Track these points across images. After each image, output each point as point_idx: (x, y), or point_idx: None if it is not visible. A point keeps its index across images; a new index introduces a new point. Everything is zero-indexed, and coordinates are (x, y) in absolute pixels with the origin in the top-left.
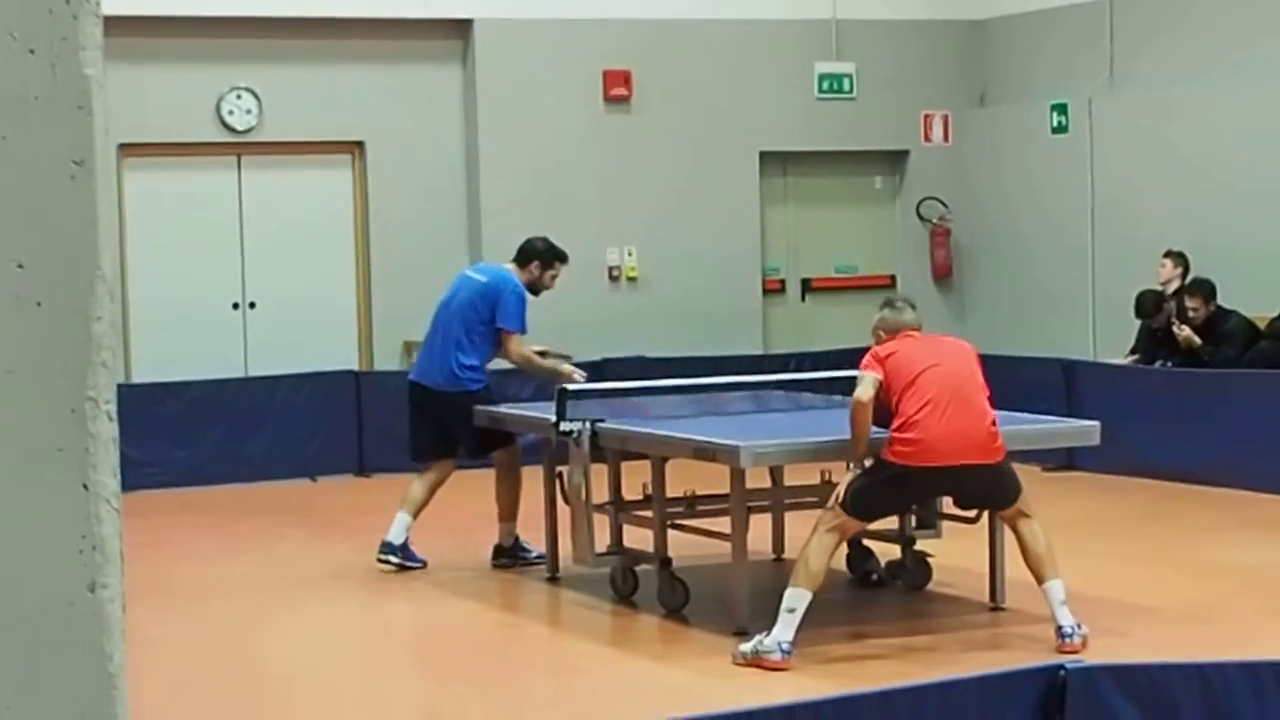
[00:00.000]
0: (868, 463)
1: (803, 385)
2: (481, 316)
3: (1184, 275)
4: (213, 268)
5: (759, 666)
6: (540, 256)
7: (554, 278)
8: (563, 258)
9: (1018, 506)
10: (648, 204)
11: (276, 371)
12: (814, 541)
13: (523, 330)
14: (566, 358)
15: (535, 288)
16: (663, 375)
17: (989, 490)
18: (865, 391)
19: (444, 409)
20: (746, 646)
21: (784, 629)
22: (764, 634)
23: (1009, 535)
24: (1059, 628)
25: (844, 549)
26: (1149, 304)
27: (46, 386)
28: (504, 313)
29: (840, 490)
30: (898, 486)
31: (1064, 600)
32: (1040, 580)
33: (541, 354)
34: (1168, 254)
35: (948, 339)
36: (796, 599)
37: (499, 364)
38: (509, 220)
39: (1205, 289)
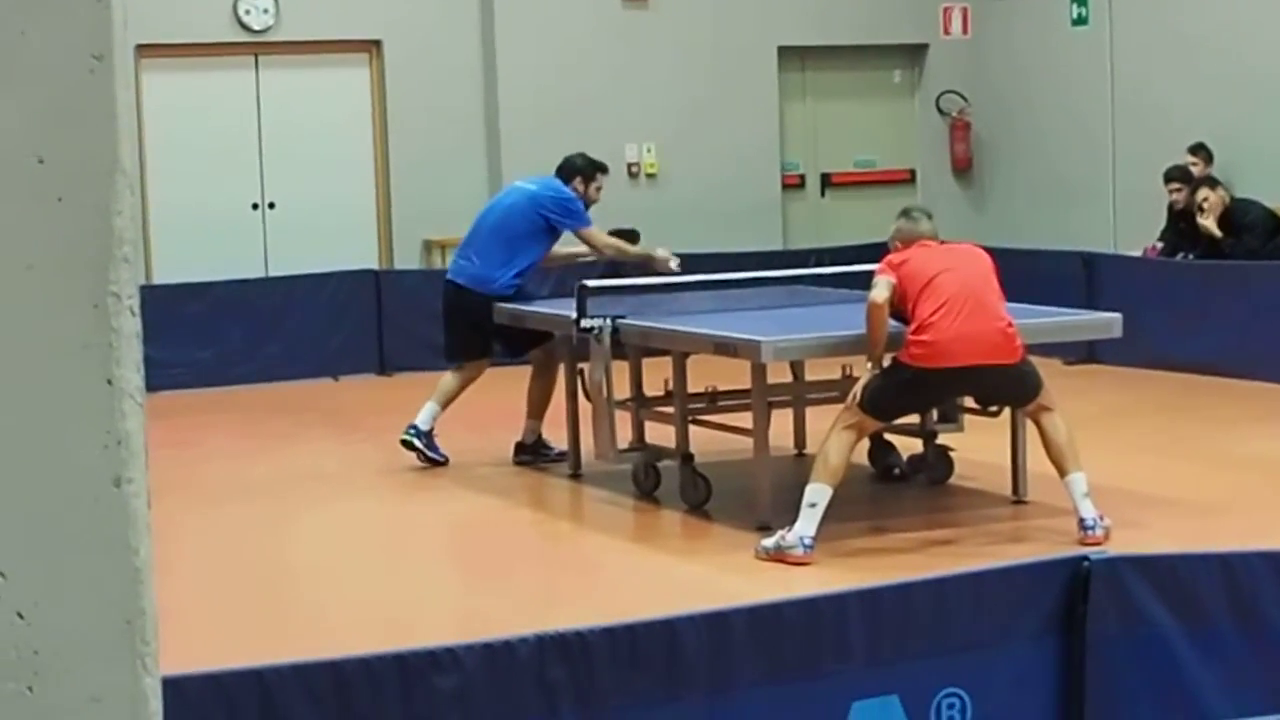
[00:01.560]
0: (886, 361)
1: (823, 280)
2: (529, 221)
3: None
4: (231, 169)
5: (781, 561)
6: (581, 171)
7: (599, 189)
8: (603, 169)
9: (1039, 401)
10: (666, 100)
11: (296, 271)
12: (833, 438)
13: (589, 222)
14: (634, 232)
15: (586, 201)
16: (683, 272)
17: (1007, 389)
18: (880, 293)
19: (478, 310)
20: (769, 542)
21: (806, 524)
22: (786, 529)
23: (1031, 428)
24: (1081, 520)
25: (865, 443)
26: (1177, 175)
27: (68, 282)
28: (569, 214)
29: (858, 389)
30: (914, 388)
31: (1086, 493)
32: (1062, 473)
33: (625, 236)
34: (1194, 149)
35: (962, 245)
36: (818, 494)
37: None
38: (527, 119)
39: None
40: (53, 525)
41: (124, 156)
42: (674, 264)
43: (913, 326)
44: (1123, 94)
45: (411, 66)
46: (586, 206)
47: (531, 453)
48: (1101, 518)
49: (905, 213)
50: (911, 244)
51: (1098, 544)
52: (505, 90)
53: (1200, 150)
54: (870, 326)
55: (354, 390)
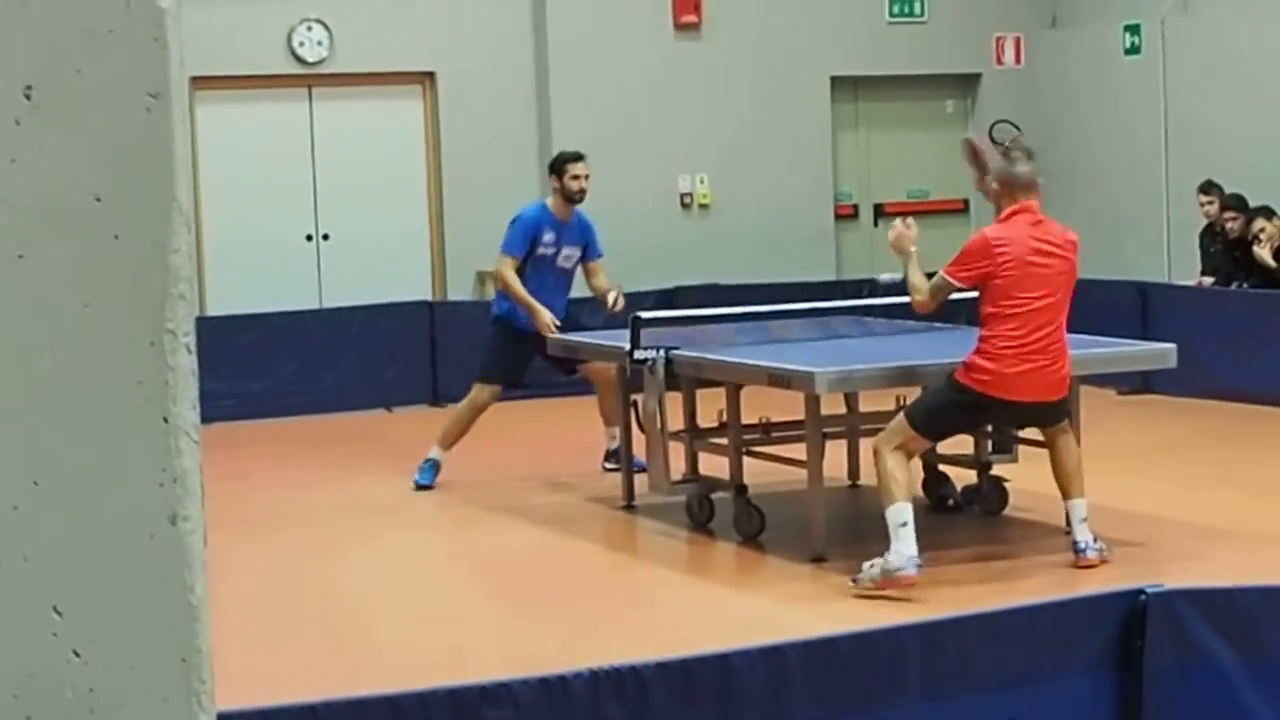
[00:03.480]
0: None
1: (876, 311)
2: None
3: (1223, 207)
4: (286, 200)
5: (894, 586)
6: (552, 169)
7: (575, 178)
8: (570, 158)
9: (1063, 423)
10: (719, 131)
11: (350, 303)
12: (887, 460)
13: (513, 253)
14: (613, 290)
15: (569, 196)
16: (736, 302)
17: (1046, 417)
18: (934, 295)
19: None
20: (872, 571)
21: (906, 544)
22: (883, 556)
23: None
24: (1074, 543)
25: (920, 473)
26: (1210, 188)
27: (125, 319)
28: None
29: (910, 408)
30: (971, 411)
31: (1085, 518)
32: (1066, 496)
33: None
34: (1204, 188)
35: (1058, 233)
36: (902, 512)
37: (577, 293)
38: (580, 146)
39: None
40: (109, 562)
41: (180, 194)
42: (552, 329)
43: (984, 339)
44: (1176, 123)
45: (465, 97)
46: (573, 199)
47: (618, 460)
48: (1096, 540)
49: (1005, 151)
50: (1013, 196)
51: (1091, 566)
52: (559, 121)
53: (1212, 189)
54: (914, 294)
55: (408, 422)
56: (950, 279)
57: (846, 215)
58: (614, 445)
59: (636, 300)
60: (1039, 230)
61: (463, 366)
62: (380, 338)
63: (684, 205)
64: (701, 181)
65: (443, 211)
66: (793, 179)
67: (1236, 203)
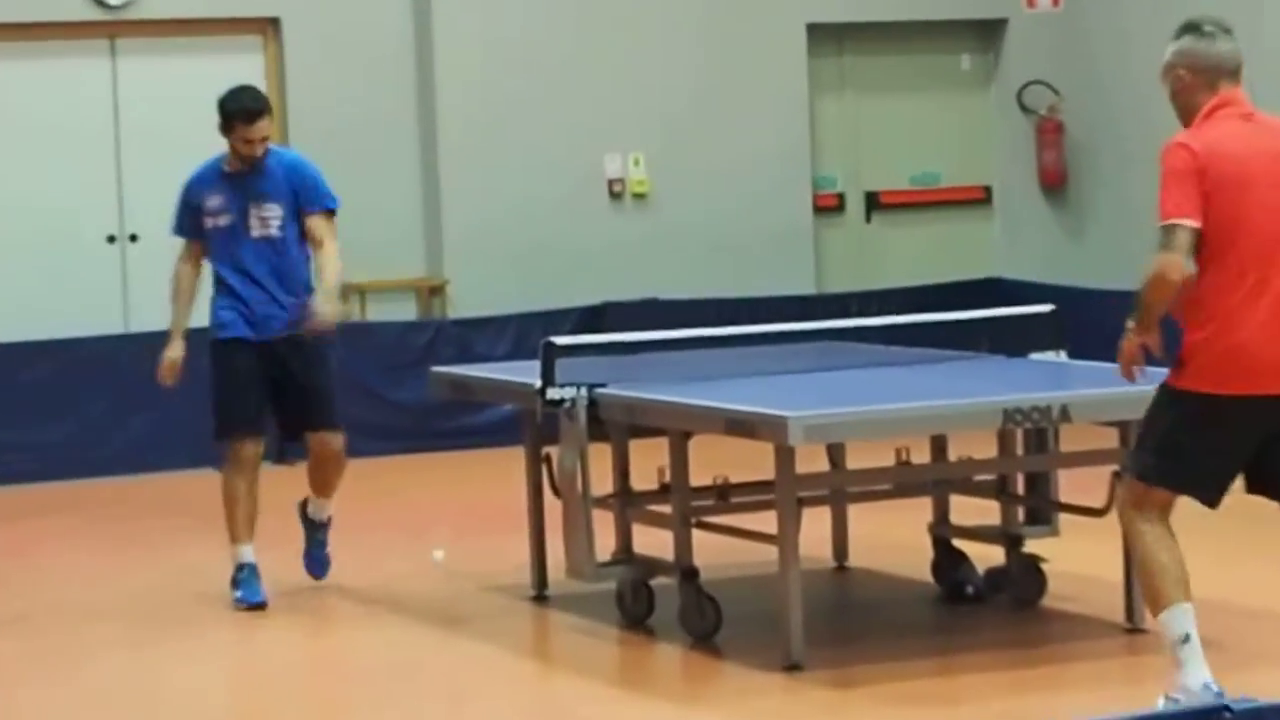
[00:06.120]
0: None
1: (868, 334)
2: None
3: None
4: (80, 188)
5: None
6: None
7: (245, 141)
8: (234, 114)
9: None
10: (659, 96)
11: (167, 326)
12: (1142, 540)
13: (176, 232)
14: (329, 272)
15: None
16: (682, 323)
17: None
18: (1178, 262)
19: None
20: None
21: (1197, 667)
22: (1174, 690)
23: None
24: None
25: (930, 552)
26: None
27: None
28: None
29: (1131, 453)
30: (1210, 425)
31: None
32: None
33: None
34: None
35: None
36: (1180, 619)
37: (470, 310)
38: (473, 117)
39: None
40: None
41: None
42: (167, 376)
43: (1196, 305)
44: (1261, 83)
45: (320, 52)
46: (248, 163)
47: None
48: None
49: (1193, 27)
50: (1212, 84)
51: None
52: (445, 82)
53: None
54: (1150, 291)
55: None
56: (1183, 220)
57: (829, 208)
58: (321, 517)
59: (550, 321)
60: (1256, 130)
61: None
62: (208, 372)
63: (613, 194)
64: (636, 163)
65: None
66: (757, 160)
67: None
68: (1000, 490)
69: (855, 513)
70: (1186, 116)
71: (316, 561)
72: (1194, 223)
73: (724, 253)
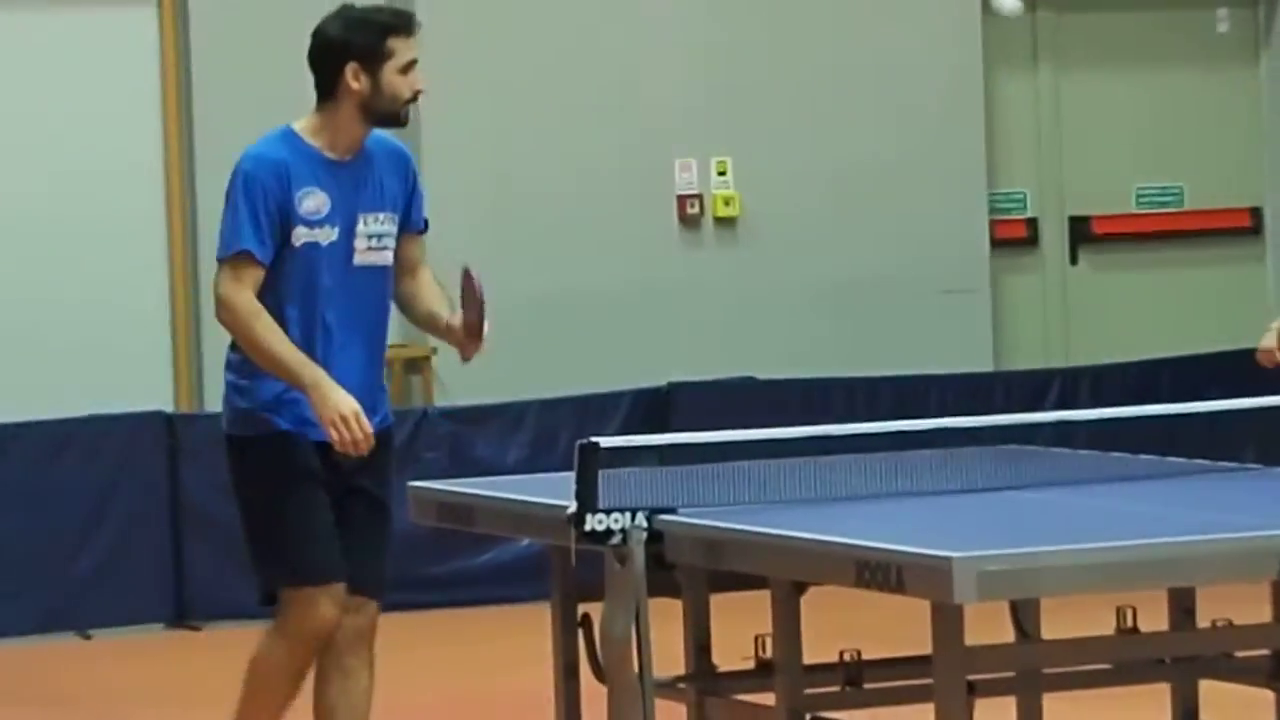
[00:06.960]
0: None
1: (1073, 432)
2: None
3: None
4: None
5: None
6: (345, 49)
7: (410, 69)
8: (391, 27)
9: None
10: (750, 77)
11: (16, 415)
12: None
13: (245, 245)
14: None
15: (388, 111)
16: (788, 416)
17: None
18: None
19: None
20: None
21: None
22: None
23: None
24: None
25: None
26: None
27: None
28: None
29: None
30: None
31: None
32: None
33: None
34: None
35: None
36: None
37: (465, 395)
38: (452, 97)
39: None
40: None
41: None
42: (357, 447)
43: None
44: None
45: (234, 15)
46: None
47: None
48: None
49: None
50: None
51: None
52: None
53: None
54: None
55: (121, 660)
56: None
57: (1014, 241)
58: None
59: (589, 411)
60: None
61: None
62: (68, 483)
63: (686, 217)
64: (720, 174)
65: (194, 202)
66: (902, 169)
67: None
68: (1276, 673)
69: (1054, 704)
70: None
71: None
72: None
73: (852, 308)
